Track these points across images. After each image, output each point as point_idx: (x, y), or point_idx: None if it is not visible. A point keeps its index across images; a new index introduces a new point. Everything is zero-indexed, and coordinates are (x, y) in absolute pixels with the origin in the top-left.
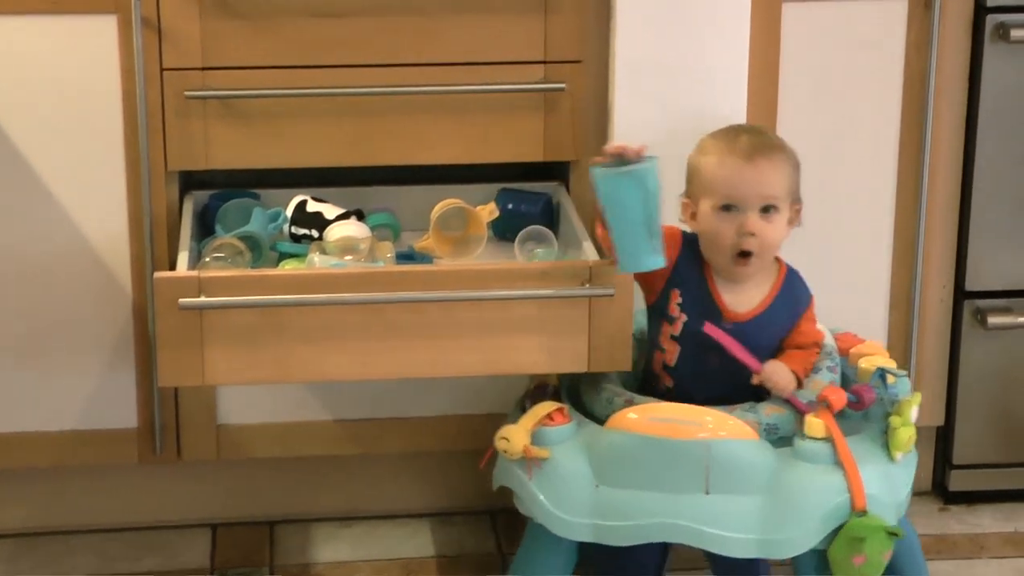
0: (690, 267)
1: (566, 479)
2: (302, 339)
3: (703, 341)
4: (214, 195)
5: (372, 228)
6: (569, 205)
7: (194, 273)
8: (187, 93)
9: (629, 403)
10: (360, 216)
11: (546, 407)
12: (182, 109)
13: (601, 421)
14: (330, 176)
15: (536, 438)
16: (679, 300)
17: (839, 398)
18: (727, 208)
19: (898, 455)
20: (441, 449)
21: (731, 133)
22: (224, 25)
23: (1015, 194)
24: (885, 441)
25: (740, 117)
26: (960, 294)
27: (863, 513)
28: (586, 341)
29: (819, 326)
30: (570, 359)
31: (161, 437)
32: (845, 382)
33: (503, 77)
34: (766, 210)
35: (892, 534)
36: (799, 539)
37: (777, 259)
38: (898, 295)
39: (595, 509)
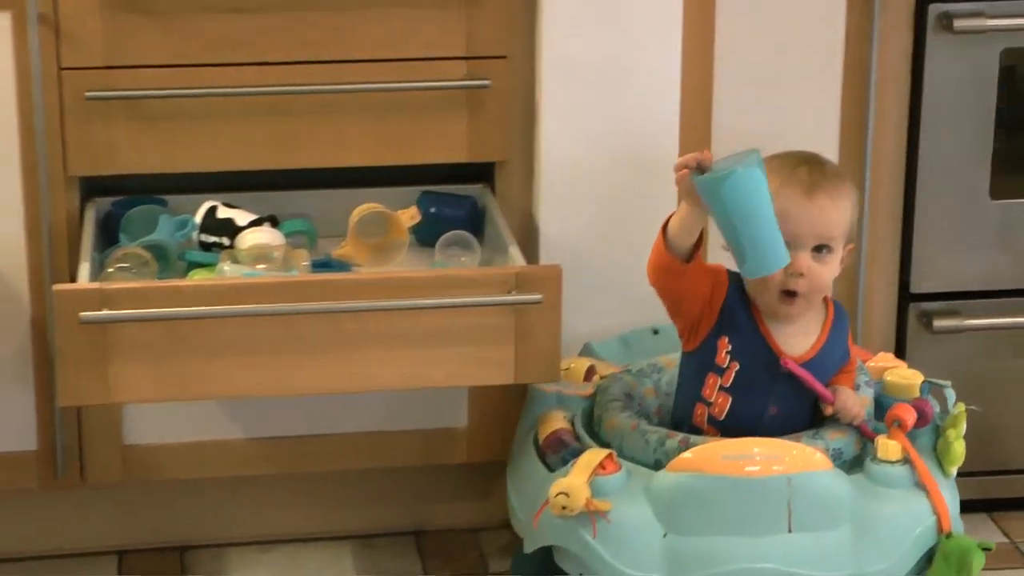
0: (738, 311)
1: (632, 531)
2: (212, 353)
3: (763, 387)
4: (117, 202)
5: (286, 235)
6: (495, 208)
7: (96, 285)
8: (88, 94)
9: (685, 443)
10: (274, 222)
11: (597, 454)
12: (82, 111)
13: (646, 466)
14: (242, 180)
15: (594, 490)
16: (728, 348)
17: (911, 416)
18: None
19: (952, 469)
20: (363, 467)
21: (789, 162)
22: (127, 21)
23: (962, 190)
24: (934, 456)
25: (673, 114)
26: (905, 297)
27: (951, 535)
28: (512, 352)
29: None
30: (496, 371)
31: (63, 460)
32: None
33: (424, 74)
34: (819, 249)
35: (986, 549)
36: (892, 570)
37: (826, 298)
38: (840, 298)
39: (667, 561)
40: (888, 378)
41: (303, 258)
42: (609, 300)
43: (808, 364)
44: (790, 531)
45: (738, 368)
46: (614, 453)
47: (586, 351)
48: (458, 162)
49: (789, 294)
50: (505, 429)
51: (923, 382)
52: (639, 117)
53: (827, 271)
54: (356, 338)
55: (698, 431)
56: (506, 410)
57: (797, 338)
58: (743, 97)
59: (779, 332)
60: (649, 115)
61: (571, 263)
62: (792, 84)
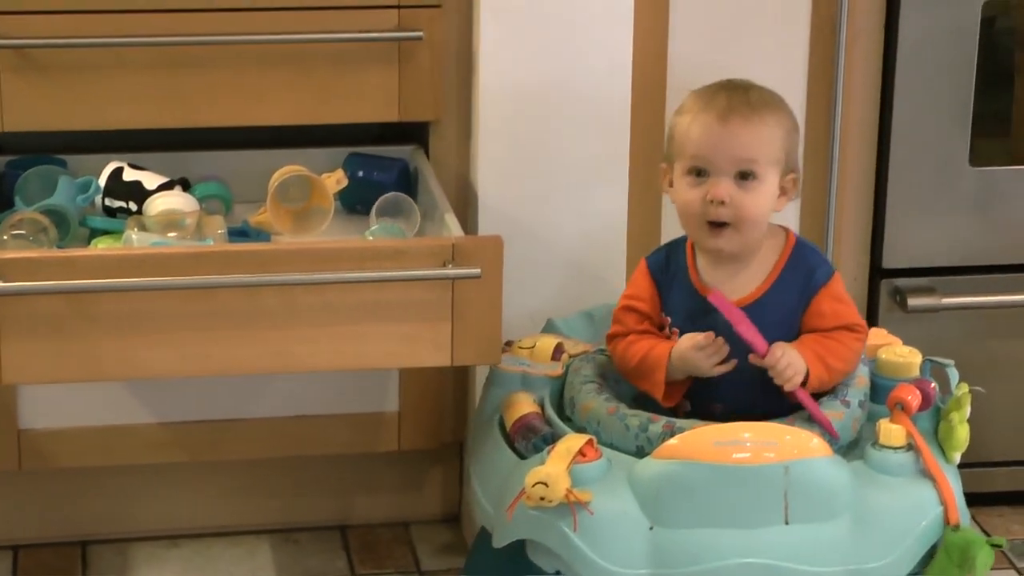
0: (671, 281)
1: (615, 524)
2: (117, 330)
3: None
4: (12, 162)
5: (199, 200)
6: (428, 172)
7: None
8: None
9: (670, 428)
10: (185, 186)
11: (576, 440)
12: None
13: (627, 454)
14: (150, 140)
15: (574, 479)
16: (671, 321)
17: (915, 398)
18: (697, 173)
19: (955, 455)
20: (284, 455)
21: (713, 89)
22: None
23: (938, 156)
24: (935, 440)
25: (625, 69)
26: (876, 272)
27: (957, 527)
28: (449, 330)
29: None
30: (431, 351)
31: None
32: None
33: (350, 24)
34: (743, 177)
35: (996, 546)
36: (894, 565)
37: (786, 231)
38: None
39: (653, 556)
40: (883, 356)
41: (218, 225)
42: (554, 273)
43: (750, 308)
44: (786, 523)
45: (679, 334)
46: (594, 439)
47: (550, 327)
48: (388, 121)
49: (715, 225)
50: (440, 414)
51: (923, 360)
52: (587, 71)
53: (754, 200)
54: (277, 314)
55: (673, 413)
56: (441, 394)
57: (738, 279)
58: (700, 49)
59: (715, 275)
60: (598, 68)
61: (513, 232)
62: (754, 38)
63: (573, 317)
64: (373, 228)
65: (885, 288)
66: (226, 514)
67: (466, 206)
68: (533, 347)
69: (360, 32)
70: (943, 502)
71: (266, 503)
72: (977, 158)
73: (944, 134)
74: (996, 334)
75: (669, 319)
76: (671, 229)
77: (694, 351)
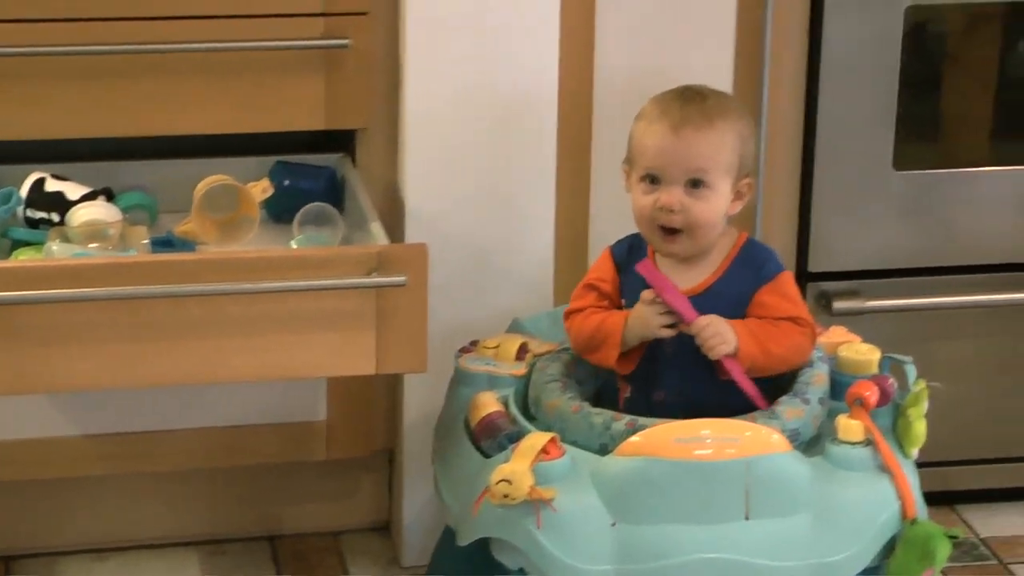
0: (631, 264)
1: (577, 521)
2: (40, 342)
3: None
4: None
5: (123, 210)
6: (356, 180)
7: None
8: None
9: (633, 426)
10: (109, 196)
11: (540, 438)
12: None
13: (591, 452)
14: (73, 150)
15: (538, 477)
16: (626, 306)
17: (874, 394)
18: (651, 180)
19: (913, 451)
20: (210, 466)
21: (669, 96)
22: None
23: (863, 159)
24: (894, 436)
25: (551, 76)
26: (802, 276)
27: (915, 521)
28: (375, 338)
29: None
30: (357, 360)
31: None
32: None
33: (276, 32)
34: (694, 184)
35: (953, 537)
36: (853, 559)
37: (740, 232)
38: None
39: (616, 552)
40: (842, 353)
41: (142, 236)
42: (483, 281)
43: (698, 298)
44: (747, 518)
45: None
46: (557, 437)
47: (515, 327)
48: (315, 129)
49: (667, 231)
50: (369, 423)
51: (882, 357)
52: (514, 77)
53: (705, 206)
54: (203, 324)
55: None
56: (370, 402)
57: (690, 272)
58: (627, 55)
59: (672, 271)
60: (526, 74)
61: (440, 240)
62: (681, 43)
63: (538, 316)
64: (297, 238)
65: (811, 291)
66: (154, 526)
67: (393, 214)
68: (498, 347)
69: (286, 40)
70: (901, 496)
71: (194, 515)
72: (901, 162)
73: (869, 138)
74: (921, 337)
75: (624, 302)
76: (599, 234)
77: (644, 305)
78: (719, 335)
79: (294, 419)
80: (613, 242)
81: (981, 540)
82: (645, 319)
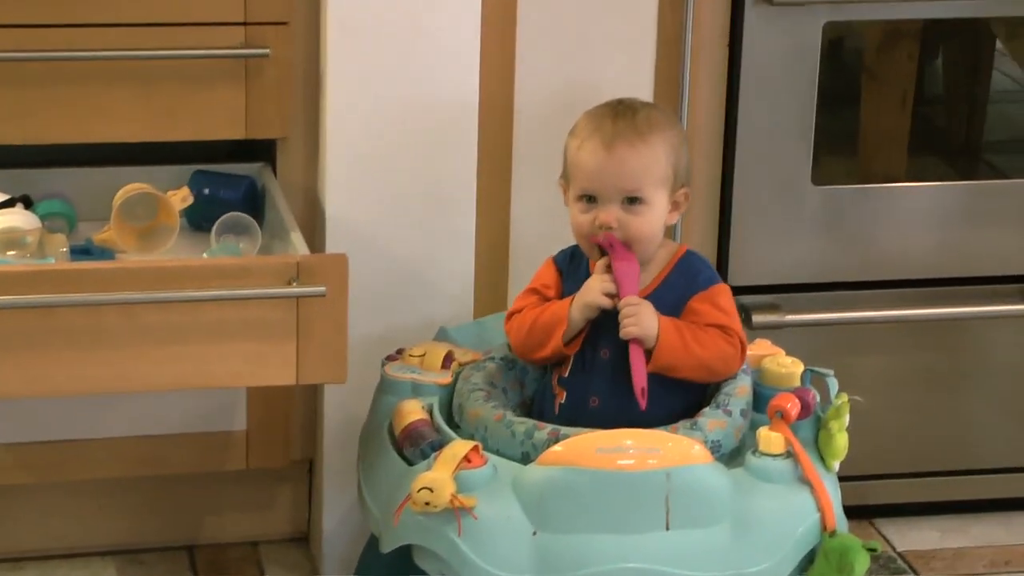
0: (576, 271)
1: (498, 529)
2: None
3: (593, 340)
4: None
5: (42, 217)
6: (276, 190)
7: None
8: None
9: (555, 435)
10: (27, 203)
11: (462, 447)
12: None
13: (514, 460)
14: None
15: (459, 485)
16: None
17: (795, 406)
18: (588, 199)
19: (835, 463)
20: (128, 475)
21: (601, 112)
22: None
23: (782, 174)
24: (816, 448)
25: (471, 84)
26: None
27: (834, 533)
28: (295, 348)
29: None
30: (276, 370)
31: None
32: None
33: (195, 41)
34: (631, 201)
35: (871, 550)
36: (772, 570)
37: (680, 245)
38: None
39: (536, 561)
40: (766, 366)
41: (61, 244)
42: (403, 291)
43: None
44: (667, 528)
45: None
46: (480, 445)
47: (441, 335)
48: (235, 139)
49: (606, 245)
50: (288, 433)
51: (804, 370)
52: (435, 87)
53: (642, 221)
54: (121, 333)
55: (551, 400)
56: (289, 412)
57: None
58: (548, 67)
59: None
60: (446, 85)
61: (361, 250)
62: (601, 55)
63: (465, 326)
64: (212, 248)
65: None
66: (71, 536)
67: (314, 224)
68: (424, 355)
69: (207, 49)
70: (821, 508)
71: (112, 524)
72: (820, 177)
73: (788, 152)
74: (840, 350)
75: None
76: (520, 245)
77: (595, 274)
78: (637, 316)
79: (213, 428)
80: (536, 251)
81: (898, 554)
82: (590, 285)
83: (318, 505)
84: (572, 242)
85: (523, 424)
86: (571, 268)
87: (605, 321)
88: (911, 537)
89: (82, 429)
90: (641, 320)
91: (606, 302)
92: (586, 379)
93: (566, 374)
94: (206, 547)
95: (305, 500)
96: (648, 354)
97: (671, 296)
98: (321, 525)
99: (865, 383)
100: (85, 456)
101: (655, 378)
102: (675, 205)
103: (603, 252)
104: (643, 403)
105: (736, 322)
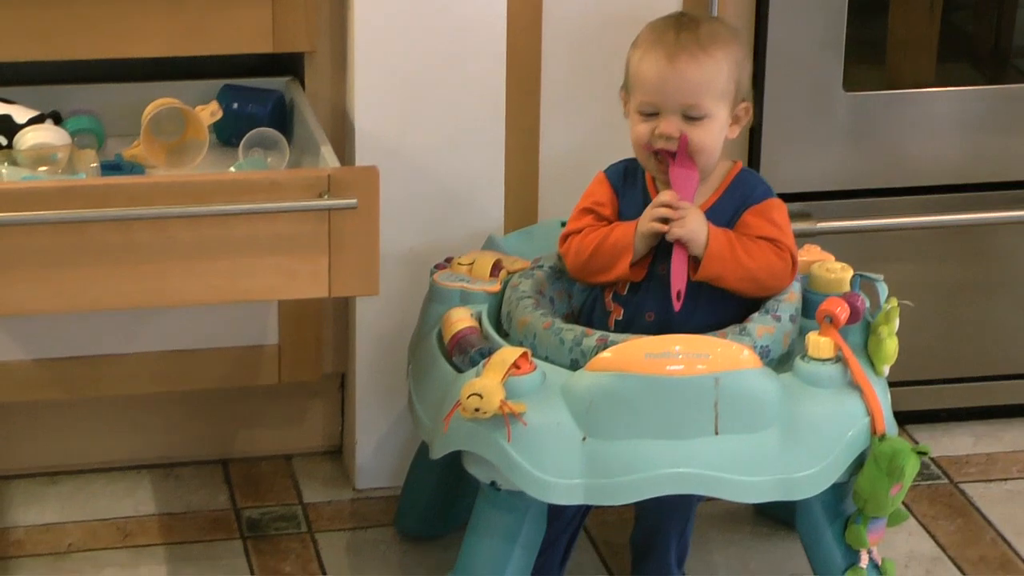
0: (630, 186)
1: (548, 435)
2: None
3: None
4: None
5: (71, 133)
6: (304, 104)
7: None
8: None
9: (603, 342)
10: (57, 119)
11: (511, 353)
12: None
13: (562, 367)
14: (18, 73)
15: (508, 391)
16: None
17: (844, 311)
18: (649, 112)
19: (884, 368)
20: (162, 391)
21: (664, 24)
22: None
23: (813, 81)
24: (865, 353)
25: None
26: None
27: (884, 437)
28: (326, 261)
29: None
30: (308, 283)
31: None
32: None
33: None
34: (692, 113)
35: (922, 453)
36: (821, 475)
37: (736, 162)
38: None
39: (586, 466)
40: (815, 271)
41: (91, 159)
42: (434, 203)
43: None
44: (716, 433)
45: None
46: (529, 352)
47: (490, 244)
48: (263, 53)
49: (668, 155)
50: (320, 346)
51: (853, 276)
52: None
53: (703, 132)
54: (152, 248)
55: (603, 316)
56: (321, 326)
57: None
58: None
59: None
60: None
61: (391, 163)
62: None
63: (513, 235)
64: (239, 162)
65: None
66: (105, 450)
67: (343, 137)
68: (472, 264)
69: None
70: (870, 412)
71: (146, 438)
72: (851, 83)
73: (818, 60)
74: (871, 257)
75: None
76: (548, 158)
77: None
78: (684, 220)
79: (245, 343)
80: (567, 163)
81: (932, 459)
82: (646, 213)
83: (351, 418)
84: (602, 155)
85: (572, 331)
86: (627, 185)
87: (664, 239)
88: (944, 443)
89: (115, 344)
90: (687, 223)
91: (661, 228)
92: (643, 296)
93: (624, 291)
94: (240, 460)
95: (338, 413)
96: (696, 262)
97: (728, 210)
98: (354, 438)
99: (896, 289)
100: (118, 371)
101: (705, 287)
102: (735, 119)
103: (661, 162)
104: (677, 305)
105: (788, 237)
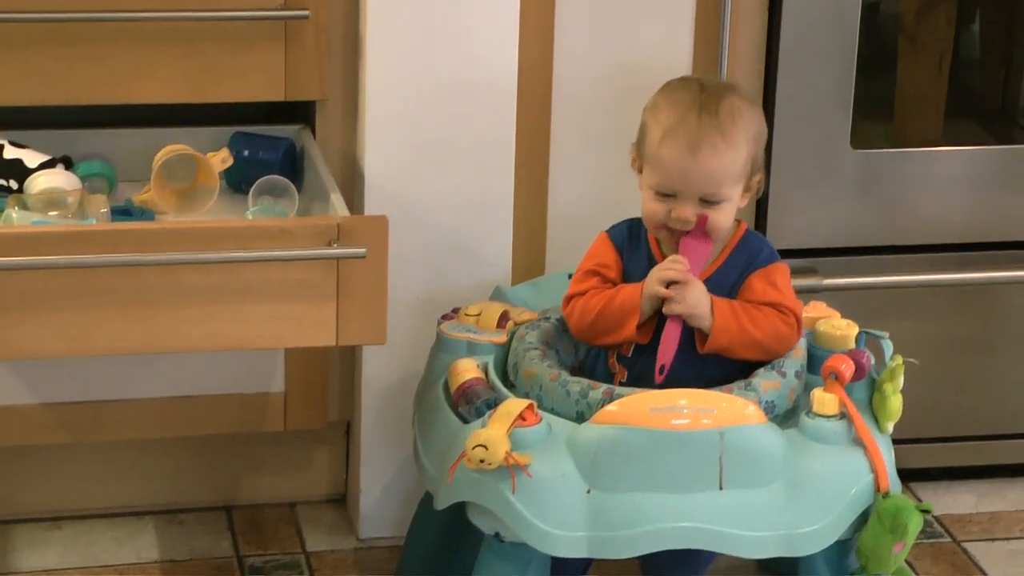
0: (634, 248)
1: (552, 487)
2: None
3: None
4: None
5: (82, 178)
6: (315, 151)
7: None
8: None
9: (609, 395)
10: (68, 164)
11: (517, 405)
12: None
13: (568, 419)
14: (31, 117)
15: (514, 442)
16: None
17: (849, 368)
18: (665, 192)
19: (889, 425)
20: (167, 436)
21: (684, 101)
22: None
23: (821, 138)
24: (870, 410)
25: (511, 47)
26: None
27: (887, 495)
28: (335, 310)
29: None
30: (316, 331)
31: None
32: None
33: (236, 2)
34: (710, 199)
35: (925, 511)
36: (825, 531)
37: (738, 221)
38: None
39: (590, 519)
40: (820, 328)
41: (101, 204)
42: (442, 252)
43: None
44: (721, 488)
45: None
46: (535, 403)
47: (497, 295)
48: (274, 100)
49: (681, 233)
50: (326, 394)
51: (859, 332)
52: (474, 52)
53: (719, 216)
54: (161, 294)
55: (606, 375)
56: (327, 374)
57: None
58: (586, 33)
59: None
60: (485, 46)
61: (400, 213)
62: (640, 16)
63: (520, 286)
64: (252, 209)
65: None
66: (109, 495)
67: (353, 186)
68: (479, 314)
69: (246, 11)
70: (874, 469)
71: (150, 484)
72: (859, 140)
73: (826, 117)
74: (876, 314)
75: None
76: (558, 210)
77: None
78: (683, 294)
79: (251, 390)
80: (575, 217)
81: (935, 518)
82: (653, 274)
83: (355, 466)
84: (609, 208)
85: (578, 384)
86: (631, 245)
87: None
88: (946, 501)
89: (121, 389)
90: (687, 298)
91: (666, 294)
92: (648, 358)
93: (628, 353)
94: (244, 507)
95: (342, 461)
96: (703, 335)
97: (733, 274)
98: (359, 486)
99: (900, 347)
100: (124, 416)
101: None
102: (747, 189)
103: (673, 235)
104: (659, 378)
105: (791, 300)
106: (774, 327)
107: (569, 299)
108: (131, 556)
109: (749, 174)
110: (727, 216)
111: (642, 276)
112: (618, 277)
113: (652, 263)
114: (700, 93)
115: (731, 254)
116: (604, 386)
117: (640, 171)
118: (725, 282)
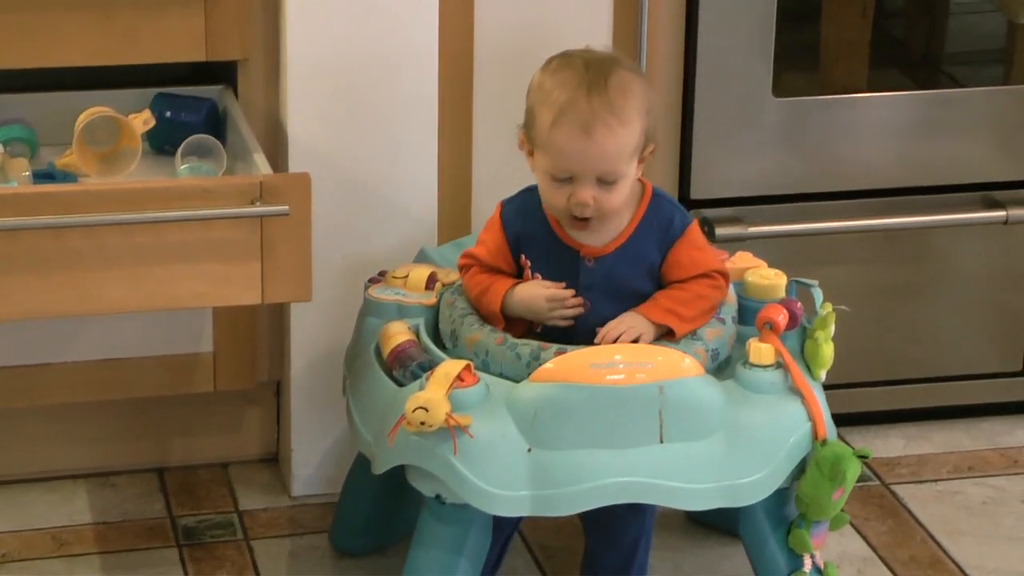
0: (531, 221)
1: (493, 447)
2: None
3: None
4: None
5: (3, 143)
6: (237, 111)
7: None
8: None
9: (562, 354)
10: None
11: (455, 366)
12: None
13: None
14: None
15: (453, 404)
16: (531, 264)
17: (783, 317)
18: (562, 176)
19: (821, 373)
20: (97, 399)
21: (571, 81)
22: None
23: (743, 87)
24: (802, 359)
25: (432, 6)
26: (685, 203)
27: (825, 442)
28: (259, 268)
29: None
30: (241, 290)
31: None
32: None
33: None
34: (607, 179)
35: (863, 457)
36: (765, 481)
37: (641, 181)
38: None
39: (532, 478)
40: (749, 279)
41: (23, 168)
42: (367, 212)
43: (613, 256)
44: (661, 442)
45: (541, 278)
46: (471, 364)
47: (422, 256)
48: (196, 61)
49: (580, 219)
50: (255, 354)
51: (788, 282)
52: (395, 8)
53: (616, 195)
54: (85, 256)
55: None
56: (256, 333)
57: (599, 230)
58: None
59: (576, 235)
60: (406, 5)
61: (322, 172)
62: None
63: (445, 247)
64: (181, 169)
65: (693, 219)
66: (41, 459)
67: (276, 146)
68: (407, 277)
69: None
70: (811, 418)
71: (82, 447)
72: (781, 89)
73: (748, 66)
74: (802, 262)
75: (529, 262)
76: (481, 168)
77: (542, 300)
78: (628, 333)
79: (180, 351)
80: (499, 174)
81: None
82: (538, 311)
83: (286, 426)
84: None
85: (528, 346)
86: (526, 224)
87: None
88: (876, 444)
89: (49, 353)
90: (631, 333)
91: (568, 323)
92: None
93: (538, 329)
94: (176, 469)
95: (274, 421)
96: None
97: (650, 245)
98: (290, 446)
99: (828, 294)
100: (53, 380)
101: (612, 290)
102: (640, 160)
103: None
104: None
105: (714, 256)
106: (706, 299)
107: (463, 267)
108: (65, 519)
109: (643, 146)
110: (623, 194)
111: (540, 247)
112: (501, 260)
113: (552, 238)
114: (585, 71)
115: (642, 219)
116: (555, 346)
117: (531, 154)
118: (636, 256)
